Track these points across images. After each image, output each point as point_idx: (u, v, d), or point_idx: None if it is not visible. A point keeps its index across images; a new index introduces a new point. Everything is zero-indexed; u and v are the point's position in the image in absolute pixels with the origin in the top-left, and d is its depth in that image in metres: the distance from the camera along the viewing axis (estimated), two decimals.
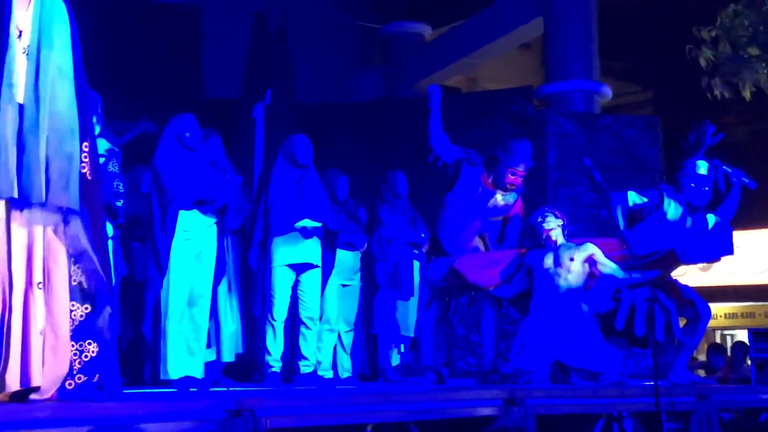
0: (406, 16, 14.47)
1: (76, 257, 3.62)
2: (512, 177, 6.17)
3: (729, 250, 6.02)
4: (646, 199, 6.23)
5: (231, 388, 5.47)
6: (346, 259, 6.73)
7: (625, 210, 6.19)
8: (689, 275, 15.10)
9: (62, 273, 3.55)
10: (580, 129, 9.44)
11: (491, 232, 6.37)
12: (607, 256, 6.04)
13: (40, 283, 3.50)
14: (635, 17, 14.02)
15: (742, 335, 12.08)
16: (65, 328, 3.53)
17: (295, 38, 10.79)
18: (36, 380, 3.44)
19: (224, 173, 5.97)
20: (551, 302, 5.93)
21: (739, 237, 16.36)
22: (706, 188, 6.19)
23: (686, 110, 13.43)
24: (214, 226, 5.74)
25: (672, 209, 6.20)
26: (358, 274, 6.87)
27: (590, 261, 6.02)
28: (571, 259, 5.98)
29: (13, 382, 3.41)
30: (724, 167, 6.30)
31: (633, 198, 6.23)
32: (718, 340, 15.70)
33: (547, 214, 6.17)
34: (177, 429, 3.57)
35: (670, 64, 11.83)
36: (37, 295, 3.48)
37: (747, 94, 9.22)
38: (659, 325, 5.78)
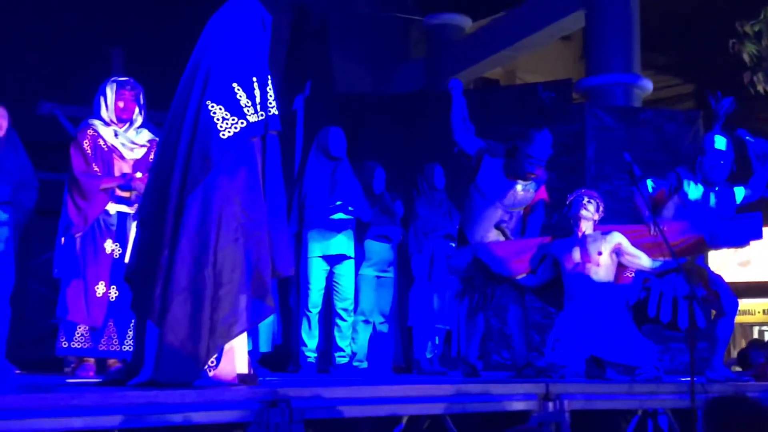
0: (446, 8, 14.43)
1: None
2: (531, 166, 6.11)
3: (758, 234, 5.93)
4: (654, 183, 6.18)
5: (267, 378, 5.52)
6: (382, 251, 6.77)
7: (648, 197, 6.11)
8: (728, 270, 14.95)
9: None
10: (620, 123, 9.36)
11: (513, 223, 6.30)
12: (635, 243, 5.96)
13: None
14: (677, 10, 13.86)
15: None
16: None
17: (336, 30, 10.81)
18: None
19: None
20: (584, 297, 5.88)
21: None
22: (722, 162, 6.11)
23: None
24: None
25: (692, 189, 6.12)
26: (393, 266, 6.90)
27: (617, 251, 5.96)
28: (599, 253, 5.91)
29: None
30: (747, 138, 6.21)
31: (651, 184, 6.18)
32: (756, 335, 15.54)
33: (591, 202, 6.05)
34: (214, 418, 3.63)
35: (713, 57, 11.71)
36: None
37: None
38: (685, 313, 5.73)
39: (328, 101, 9.16)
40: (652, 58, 13.78)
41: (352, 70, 12.34)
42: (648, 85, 11.58)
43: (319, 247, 6.27)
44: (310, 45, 9.87)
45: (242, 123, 4.09)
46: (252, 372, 4.27)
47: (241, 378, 4.12)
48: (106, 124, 5.56)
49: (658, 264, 5.94)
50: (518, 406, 4.68)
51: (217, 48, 4.21)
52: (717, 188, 6.15)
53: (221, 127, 4.05)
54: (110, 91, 5.58)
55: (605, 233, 6.01)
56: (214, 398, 3.70)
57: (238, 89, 4.13)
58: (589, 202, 6.05)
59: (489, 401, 4.64)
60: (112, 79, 5.69)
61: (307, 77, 8.82)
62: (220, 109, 4.08)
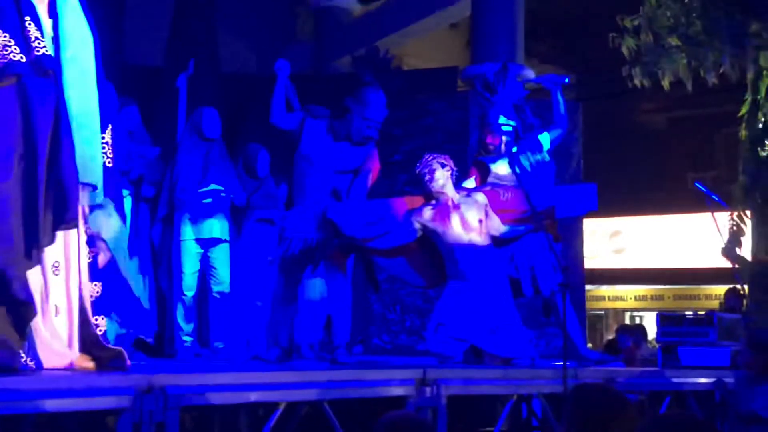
0: None
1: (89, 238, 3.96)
2: (370, 129, 5.91)
3: (593, 204, 6.14)
4: (473, 178, 6.30)
5: (142, 363, 5.41)
6: (265, 235, 6.71)
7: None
8: (601, 258, 15.43)
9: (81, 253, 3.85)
10: None
11: (344, 186, 6.02)
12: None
13: (56, 262, 3.77)
14: (562, 1, 14.17)
15: (651, 317, 12.39)
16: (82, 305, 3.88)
17: (223, 7, 10.63)
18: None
19: (141, 144, 5.89)
20: (473, 271, 5.84)
21: (651, 222, 16.72)
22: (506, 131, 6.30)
23: (608, 97, 13.67)
24: (129, 197, 5.69)
25: (499, 165, 6.21)
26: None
27: (486, 213, 5.96)
28: (480, 221, 5.91)
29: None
30: (539, 79, 6.43)
31: (469, 183, 6.30)
32: (627, 321, 16.10)
33: (434, 168, 5.91)
34: (85, 405, 3.53)
35: (594, 49, 12.00)
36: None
37: (666, 84, 9.40)
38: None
39: (213, 80, 9.00)
40: (535, 47, 14.04)
41: (238, 50, 12.17)
42: (530, 74, 11.77)
43: (191, 230, 6.19)
44: (195, 22, 9.68)
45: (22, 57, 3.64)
46: (120, 350, 4.09)
47: (106, 359, 3.95)
48: None
49: (506, 229, 6.03)
50: (396, 391, 4.70)
51: None
52: (515, 149, 6.28)
53: None
54: None
55: (469, 195, 6.01)
56: (85, 384, 3.60)
57: (30, 23, 3.72)
58: (434, 169, 5.94)
59: (367, 387, 4.66)
60: None
61: (191, 55, 8.65)
62: (5, 36, 3.64)
